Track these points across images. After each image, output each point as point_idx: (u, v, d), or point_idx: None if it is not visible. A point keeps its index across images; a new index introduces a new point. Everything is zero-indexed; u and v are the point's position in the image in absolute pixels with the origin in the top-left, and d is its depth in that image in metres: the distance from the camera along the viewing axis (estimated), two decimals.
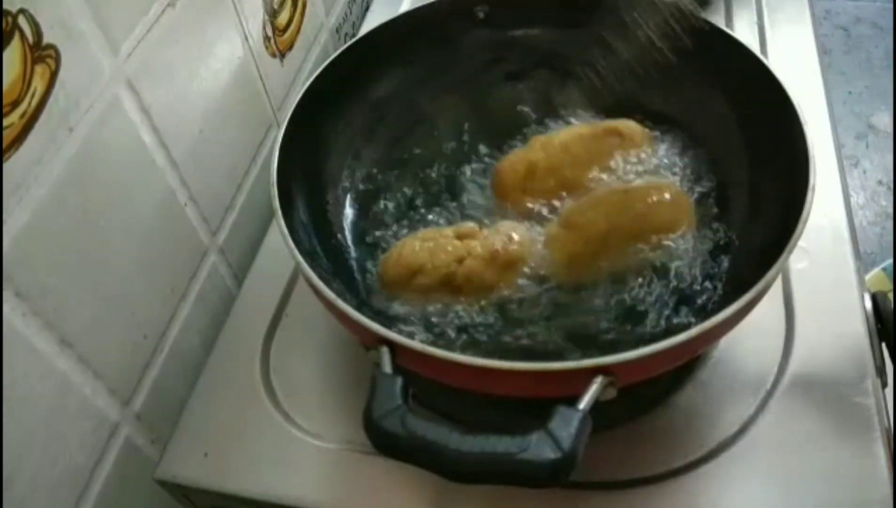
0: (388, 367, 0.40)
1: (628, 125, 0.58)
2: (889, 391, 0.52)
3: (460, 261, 0.51)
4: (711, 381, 0.51)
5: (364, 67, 0.61)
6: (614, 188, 0.55)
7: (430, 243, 0.52)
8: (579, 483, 0.47)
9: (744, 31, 0.77)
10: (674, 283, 0.51)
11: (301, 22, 0.74)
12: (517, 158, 0.58)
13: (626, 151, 0.57)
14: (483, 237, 0.52)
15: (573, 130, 0.59)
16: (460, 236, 0.53)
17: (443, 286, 0.51)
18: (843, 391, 0.49)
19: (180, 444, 0.53)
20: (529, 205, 0.56)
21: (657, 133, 0.60)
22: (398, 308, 0.51)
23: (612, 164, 0.57)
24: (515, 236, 0.52)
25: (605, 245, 0.52)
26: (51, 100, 0.42)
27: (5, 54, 0.38)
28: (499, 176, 0.58)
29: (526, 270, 0.52)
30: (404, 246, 0.53)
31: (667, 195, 0.53)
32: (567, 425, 0.36)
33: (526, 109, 0.64)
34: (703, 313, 0.49)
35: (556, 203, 0.56)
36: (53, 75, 0.42)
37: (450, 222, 0.57)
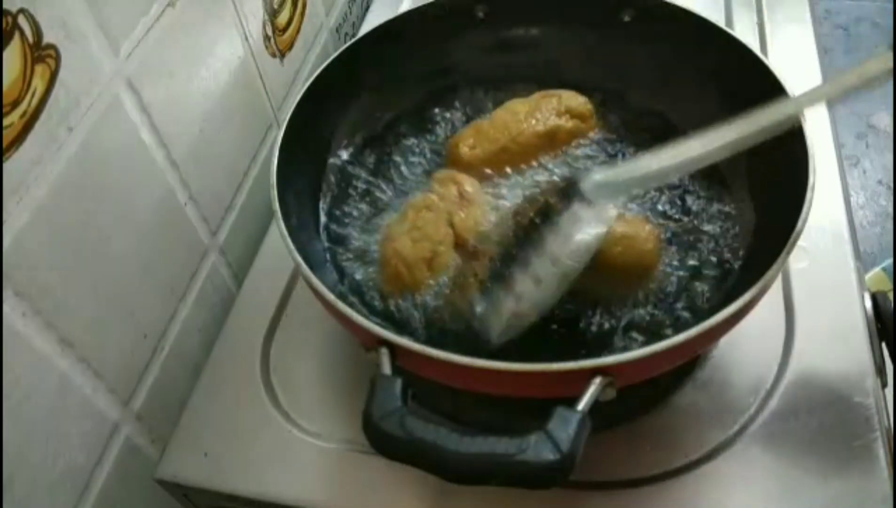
0: (387, 368, 0.40)
1: (567, 92, 0.61)
2: (889, 391, 0.52)
3: (451, 222, 0.52)
4: (711, 381, 0.51)
5: (364, 67, 0.61)
6: None
7: (417, 232, 0.52)
8: (579, 483, 0.47)
9: (744, 31, 0.77)
10: (673, 285, 0.51)
11: (301, 22, 0.74)
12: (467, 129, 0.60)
13: (563, 113, 0.60)
14: (440, 195, 0.54)
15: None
16: (422, 209, 0.53)
17: (458, 252, 0.51)
18: (843, 390, 0.49)
19: (180, 444, 0.53)
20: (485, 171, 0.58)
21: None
22: (398, 309, 0.51)
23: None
24: (466, 187, 0.54)
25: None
26: (51, 100, 0.41)
27: (5, 54, 0.38)
28: (450, 147, 0.60)
29: None
30: (400, 249, 0.51)
31: (642, 242, 0.51)
32: (566, 426, 0.36)
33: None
34: (703, 313, 0.49)
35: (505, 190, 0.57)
36: (53, 75, 0.42)
37: None
